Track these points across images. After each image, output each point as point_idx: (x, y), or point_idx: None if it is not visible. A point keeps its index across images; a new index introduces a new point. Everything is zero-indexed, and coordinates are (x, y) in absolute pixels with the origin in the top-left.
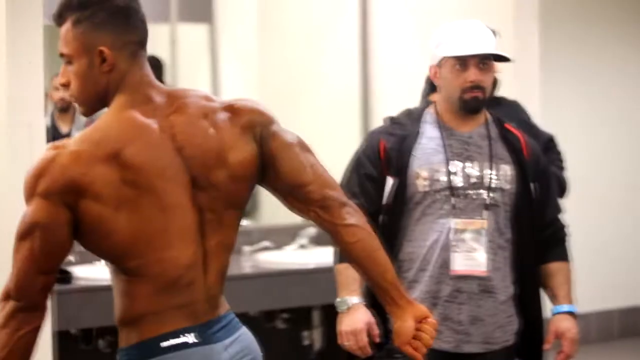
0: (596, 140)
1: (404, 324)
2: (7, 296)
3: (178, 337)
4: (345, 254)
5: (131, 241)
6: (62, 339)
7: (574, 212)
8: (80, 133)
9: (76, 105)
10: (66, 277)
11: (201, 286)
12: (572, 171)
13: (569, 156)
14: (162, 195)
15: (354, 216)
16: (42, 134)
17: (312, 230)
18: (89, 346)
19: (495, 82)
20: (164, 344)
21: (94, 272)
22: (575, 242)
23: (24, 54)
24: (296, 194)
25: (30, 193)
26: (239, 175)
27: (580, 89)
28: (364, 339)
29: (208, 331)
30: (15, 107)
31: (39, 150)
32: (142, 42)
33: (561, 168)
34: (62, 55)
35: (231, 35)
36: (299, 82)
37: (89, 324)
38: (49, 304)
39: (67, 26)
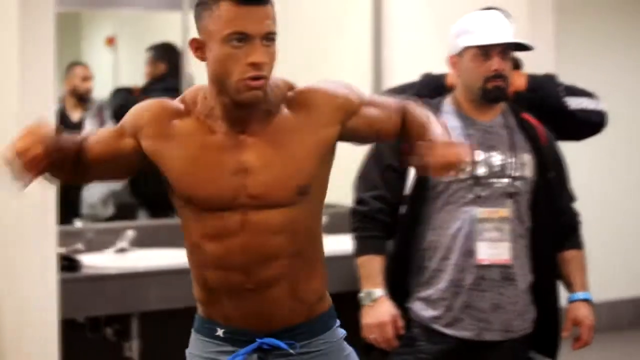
0: (613, 128)
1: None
2: None
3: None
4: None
5: None
6: (69, 328)
7: (592, 201)
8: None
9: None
10: (74, 265)
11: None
12: (588, 159)
13: (585, 143)
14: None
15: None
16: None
17: (324, 218)
18: (95, 334)
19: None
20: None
21: (101, 260)
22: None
23: (36, 43)
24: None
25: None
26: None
27: (595, 78)
28: (390, 332)
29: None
30: (26, 96)
31: None
32: None
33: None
34: (269, 34)
35: None
36: (312, 72)
37: (96, 312)
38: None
39: (271, 6)
